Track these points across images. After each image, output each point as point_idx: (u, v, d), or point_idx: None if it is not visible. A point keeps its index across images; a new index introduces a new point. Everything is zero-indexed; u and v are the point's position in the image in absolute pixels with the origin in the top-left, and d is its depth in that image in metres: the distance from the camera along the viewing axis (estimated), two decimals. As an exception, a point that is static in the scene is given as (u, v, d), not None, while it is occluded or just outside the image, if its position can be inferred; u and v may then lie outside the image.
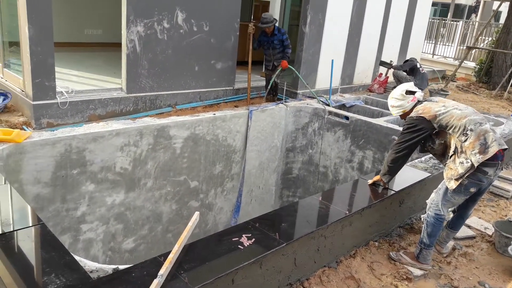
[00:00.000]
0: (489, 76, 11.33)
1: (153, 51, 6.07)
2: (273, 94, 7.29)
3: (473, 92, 10.37)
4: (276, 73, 6.92)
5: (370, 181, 3.92)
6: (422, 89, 8.12)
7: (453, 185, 3.18)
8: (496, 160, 3.09)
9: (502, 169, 3.26)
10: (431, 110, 3.34)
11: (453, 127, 3.20)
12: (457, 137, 3.17)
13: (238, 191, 6.53)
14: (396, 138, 3.68)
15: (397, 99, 3.57)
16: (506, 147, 3.13)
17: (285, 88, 7.26)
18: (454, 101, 3.53)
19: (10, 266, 2.35)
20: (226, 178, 6.32)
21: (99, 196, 4.92)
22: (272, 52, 6.93)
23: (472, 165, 3.06)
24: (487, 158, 3.03)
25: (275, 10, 8.06)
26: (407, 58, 9.27)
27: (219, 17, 6.61)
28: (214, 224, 6.37)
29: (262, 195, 6.98)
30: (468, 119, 3.18)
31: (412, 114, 3.46)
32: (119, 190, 5.08)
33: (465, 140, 3.12)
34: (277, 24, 6.88)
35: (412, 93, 3.53)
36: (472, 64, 12.98)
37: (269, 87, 7.11)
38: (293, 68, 7.14)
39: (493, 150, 3.04)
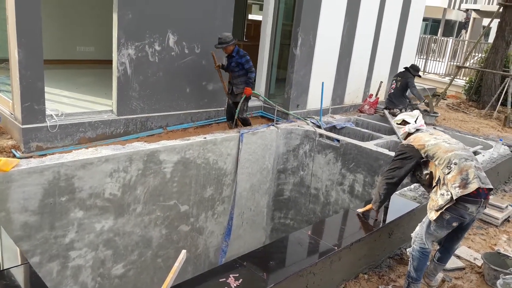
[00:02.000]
0: (478, 95, 11.47)
1: (144, 74, 6.07)
2: (233, 122, 6.68)
3: (463, 111, 10.47)
4: (240, 102, 6.44)
5: (360, 210, 3.96)
6: (390, 108, 8.27)
7: (433, 215, 3.24)
8: (479, 198, 3.12)
9: (485, 207, 3.29)
10: (421, 139, 3.46)
11: (438, 159, 3.28)
12: (441, 169, 3.24)
13: (229, 214, 6.50)
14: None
15: (395, 125, 3.94)
16: (490, 187, 3.16)
17: (276, 109, 7.28)
18: (448, 135, 3.61)
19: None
20: (217, 201, 6.30)
21: (88, 223, 4.87)
22: (231, 75, 6.54)
23: (452, 197, 3.10)
24: (466, 193, 3.07)
25: (267, 29, 8.09)
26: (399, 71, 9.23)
27: (211, 39, 6.62)
28: (205, 248, 6.33)
29: (254, 217, 6.96)
30: (454, 153, 3.26)
31: (404, 141, 3.61)
32: (108, 216, 5.03)
33: (448, 173, 3.18)
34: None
35: (407, 123, 3.70)
36: (462, 82, 13.14)
37: (236, 115, 6.57)
38: (259, 94, 6.72)
39: (473, 186, 3.07)
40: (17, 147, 5.31)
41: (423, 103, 8.98)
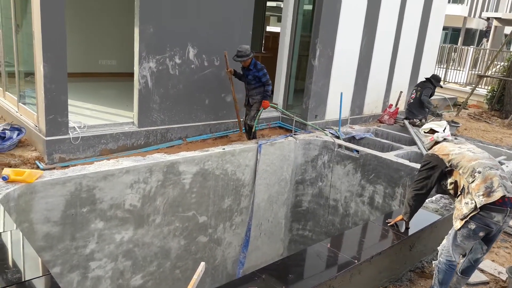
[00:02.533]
0: (501, 104, 11.25)
1: (164, 86, 6.17)
2: (249, 136, 6.71)
3: (485, 121, 10.28)
4: (258, 114, 6.48)
5: (391, 221, 3.93)
6: (409, 118, 8.20)
7: (458, 224, 3.23)
8: (504, 207, 3.09)
9: None
10: (445, 149, 3.48)
11: (462, 168, 3.28)
12: (465, 178, 3.24)
13: (247, 225, 6.49)
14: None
15: (423, 134, 3.86)
16: None
17: (294, 119, 7.28)
18: (473, 145, 3.61)
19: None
20: (235, 212, 6.30)
21: (108, 234, 4.93)
22: (247, 87, 6.56)
23: (476, 206, 3.09)
24: (490, 201, 3.05)
25: (285, 41, 8.14)
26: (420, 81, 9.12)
27: (230, 51, 6.69)
28: (222, 259, 6.33)
29: (271, 229, 6.93)
30: (478, 161, 3.25)
31: (429, 151, 3.64)
32: (128, 227, 5.09)
33: (472, 182, 3.18)
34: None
35: (434, 132, 3.72)
36: (484, 91, 12.91)
37: (254, 128, 6.58)
38: (276, 105, 6.73)
39: (497, 195, 3.05)
40: (40, 158, 5.44)
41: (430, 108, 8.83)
